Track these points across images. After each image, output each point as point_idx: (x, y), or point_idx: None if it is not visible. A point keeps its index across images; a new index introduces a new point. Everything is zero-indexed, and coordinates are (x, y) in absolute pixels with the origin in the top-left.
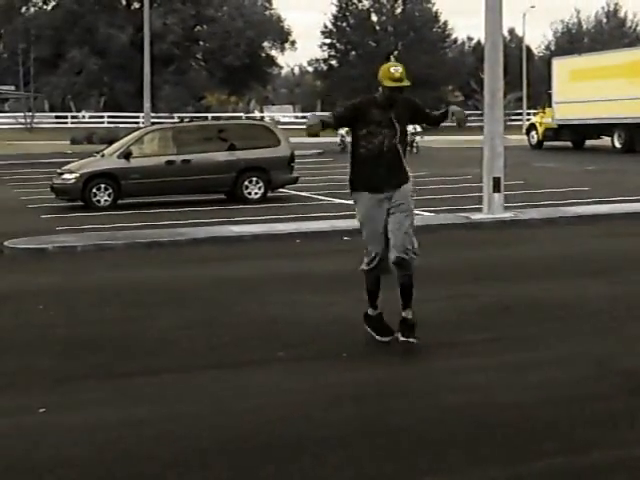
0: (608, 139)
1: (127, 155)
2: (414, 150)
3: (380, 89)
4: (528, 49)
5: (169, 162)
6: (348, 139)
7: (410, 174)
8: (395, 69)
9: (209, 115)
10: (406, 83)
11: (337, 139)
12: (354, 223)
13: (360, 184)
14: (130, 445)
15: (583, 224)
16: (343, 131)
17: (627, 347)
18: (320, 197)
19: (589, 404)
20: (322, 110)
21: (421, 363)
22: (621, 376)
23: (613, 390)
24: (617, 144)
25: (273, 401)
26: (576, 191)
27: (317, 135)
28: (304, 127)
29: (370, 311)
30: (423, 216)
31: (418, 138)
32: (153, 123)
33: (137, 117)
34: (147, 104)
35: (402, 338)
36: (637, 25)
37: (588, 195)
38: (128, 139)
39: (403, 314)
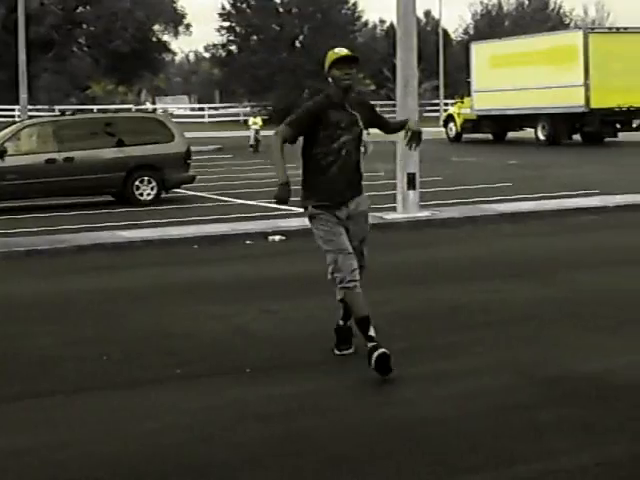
0: (531, 131)
1: (1, 153)
2: None
3: (331, 82)
4: (445, 33)
5: (49, 160)
6: (260, 134)
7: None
8: (339, 49)
9: (94, 107)
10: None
11: (249, 134)
12: (258, 226)
13: (317, 197)
14: (11, 478)
15: (506, 223)
16: (257, 126)
17: (552, 354)
18: (220, 198)
19: (513, 415)
20: (220, 101)
21: (332, 377)
22: (546, 385)
23: (538, 400)
24: (541, 136)
25: (171, 423)
26: (498, 187)
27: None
28: (275, 200)
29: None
30: None
31: None
32: (31, 117)
33: (12, 110)
34: (23, 95)
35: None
36: (561, 8)
37: (510, 191)
38: (2, 135)
39: (348, 323)
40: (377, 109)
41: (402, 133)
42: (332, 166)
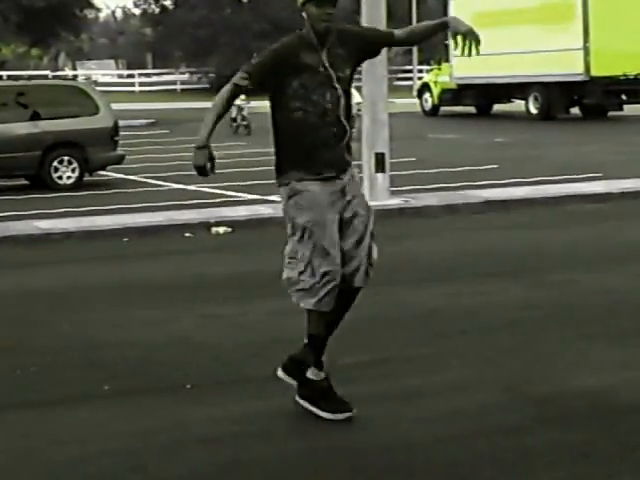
0: (522, 103)
1: None
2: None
3: (306, 19)
4: None
5: None
6: (246, 111)
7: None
8: None
9: (3, 74)
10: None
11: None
12: (199, 215)
13: (301, 168)
14: None
15: (492, 212)
16: (239, 100)
17: (543, 367)
18: (154, 182)
19: (497, 439)
20: (154, 66)
21: (285, 395)
22: (536, 404)
23: (526, 422)
24: (532, 109)
25: (97, 449)
26: (482, 170)
27: (206, 171)
28: (193, 164)
29: (312, 373)
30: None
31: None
32: None
33: None
34: None
35: None
36: None
37: (498, 175)
38: None
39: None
40: (371, 28)
41: (452, 44)
42: (316, 124)
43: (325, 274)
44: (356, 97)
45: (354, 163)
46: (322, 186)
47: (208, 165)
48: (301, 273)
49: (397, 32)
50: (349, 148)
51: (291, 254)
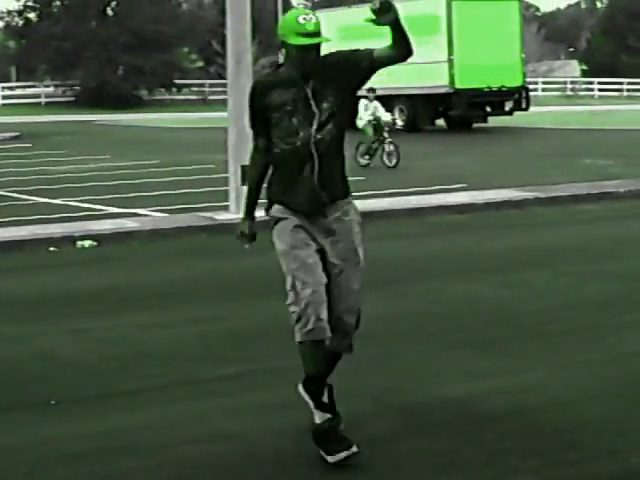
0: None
1: None
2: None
3: (283, 51)
4: None
5: None
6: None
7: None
8: (306, 18)
9: None
10: (324, 39)
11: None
12: (63, 229)
13: (280, 203)
14: None
15: None
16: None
17: (409, 377)
18: (16, 195)
19: (364, 450)
20: (17, 79)
21: (154, 409)
22: (404, 413)
23: (392, 431)
24: (398, 121)
25: None
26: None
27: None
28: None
29: (318, 417)
30: (153, 217)
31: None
32: None
33: None
34: None
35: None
36: None
37: (362, 186)
38: None
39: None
40: (357, 50)
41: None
42: (290, 160)
43: (308, 302)
44: (384, 116)
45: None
46: (299, 219)
47: (247, 238)
48: (290, 304)
49: (377, 50)
50: (335, 181)
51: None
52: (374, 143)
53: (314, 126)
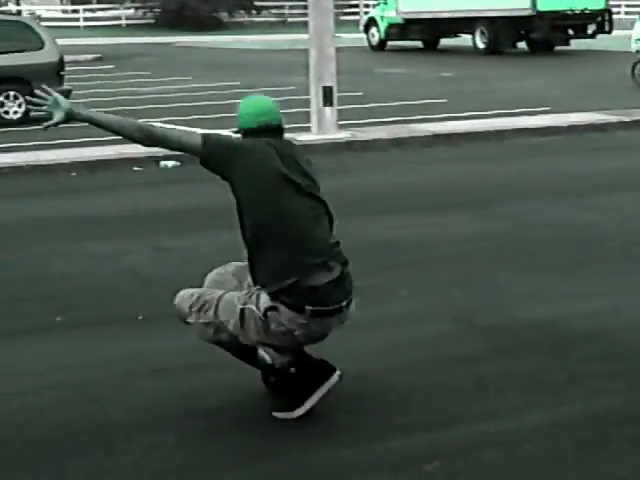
0: (468, 38)
1: None
2: None
3: None
4: None
5: None
6: None
7: None
8: (260, 106)
9: None
10: None
11: None
12: (147, 149)
13: None
14: None
15: (440, 145)
16: None
17: (494, 298)
18: None
19: (450, 369)
20: (98, 1)
21: None
22: (488, 334)
23: (478, 351)
24: (479, 44)
25: (53, 379)
26: (430, 104)
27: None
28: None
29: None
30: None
31: None
32: None
33: None
34: None
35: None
36: None
37: (445, 109)
38: None
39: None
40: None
41: None
42: None
43: None
44: None
45: None
46: None
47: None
48: None
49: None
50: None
51: None
52: None
53: None
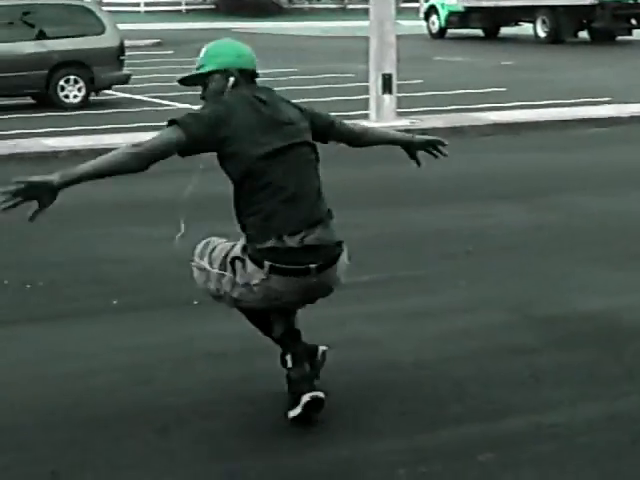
0: (529, 26)
1: None
2: None
3: None
4: None
5: None
6: None
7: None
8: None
9: None
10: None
11: None
12: None
13: None
14: None
15: (499, 134)
16: None
17: (550, 289)
18: (160, 101)
19: (505, 360)
20: None
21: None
22: (544, 325)
23: (534, 343)
24: (541, 33)
25: (105, 362)
26: (489, 93)
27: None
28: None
29: None
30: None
31: None
32: None
33: None
34: None
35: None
36: None
37: (505, 98)
38: None
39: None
40: None
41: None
42: None
43: None
44: None
45: None
46: None
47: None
48: None
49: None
50: None
51: None
52: None
53: None
